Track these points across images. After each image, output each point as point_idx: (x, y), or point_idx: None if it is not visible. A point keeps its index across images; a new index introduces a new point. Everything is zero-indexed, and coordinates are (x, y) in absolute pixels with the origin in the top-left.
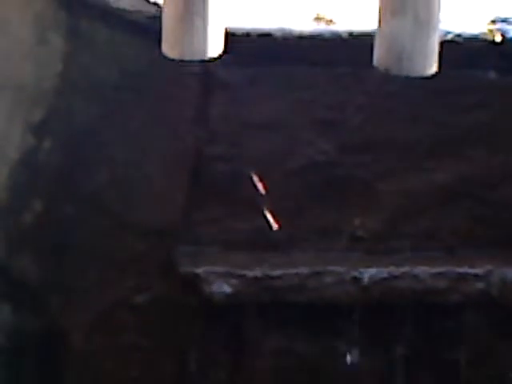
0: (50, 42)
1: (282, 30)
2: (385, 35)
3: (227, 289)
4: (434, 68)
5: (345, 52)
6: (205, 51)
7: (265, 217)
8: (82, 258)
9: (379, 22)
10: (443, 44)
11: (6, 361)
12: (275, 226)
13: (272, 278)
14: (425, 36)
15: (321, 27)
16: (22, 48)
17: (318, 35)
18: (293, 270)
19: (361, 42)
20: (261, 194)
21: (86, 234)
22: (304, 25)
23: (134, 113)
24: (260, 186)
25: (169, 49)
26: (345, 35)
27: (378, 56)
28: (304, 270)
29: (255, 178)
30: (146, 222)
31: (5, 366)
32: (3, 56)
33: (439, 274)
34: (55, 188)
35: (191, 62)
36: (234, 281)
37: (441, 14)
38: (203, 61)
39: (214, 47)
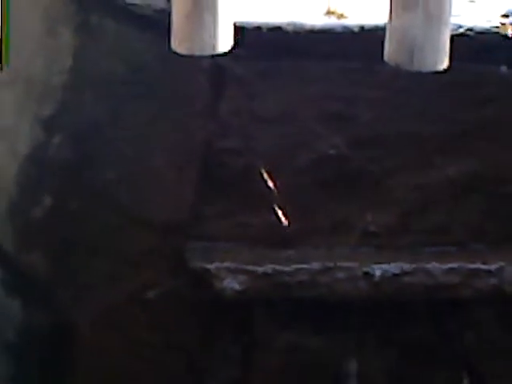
0: (60, 36)
1: (293, 24)
2: (395, 30)
3: (238, 285)
4: (445, 63)
5: (356, 46)
6: (214, 46)
7: (275, 212)
8: (92, 253)
9: (390, 16)
10: (454, 38)
11: (15, 355)
12: (285, 222)
13: (283, 273)
14: (436, 31)
15: (332, 21)
16: (31, 42)
17: (329, 29)
18: (304, 266)
19: (372, 36)
20: (271, 189)
21: (96, 229)
22: (315, 19)
23: (143, 107)
24: (270, 180)
25: (178, 44)
26: (356, 29)
27: (389, 51)
28: (315, 266)
29: (266, 173)
30: (156, 217)
31: (14, 361)
32: (13, 50)
33: (451, 269)
34: (65, 183)
35: (200, 57)
36: (244, 277)
37: (452, 8)
38: (212, 56)
39: (224, 42)
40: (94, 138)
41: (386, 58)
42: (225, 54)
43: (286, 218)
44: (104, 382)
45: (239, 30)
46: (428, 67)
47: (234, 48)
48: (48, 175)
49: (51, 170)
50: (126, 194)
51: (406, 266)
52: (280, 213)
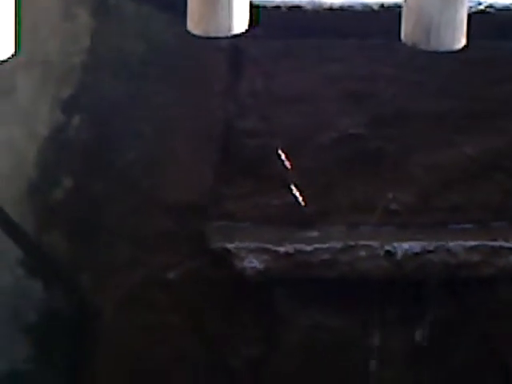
0: (77, 18)
1: (313, 2)
2: (412, 9)
3: (259, 264)
4: (462, 42)
5: (376, 24)
6: (230, 28)
7: (292, 193)
8: (112, 235)
9: None
10: (475, 15)
11: (37, 338)
12: (303, 203)
13: (304, 252)
14: (452, 9)
15: None
16: (48, 24)
17: (348, 7)
18: (325, 245)
19: (392, 14)
20: (291, 169)
21: (116, 211)
22: None
23: (162, 88)
24: (288, 161)
25: (193, 26)
26: (376, 7)
27: (406, 31)
28: (336, 245)
29: (284, 154)
30: (176, 198)
31: (36, 343)
32: (30, 32)
33: (473, 247)
34: (84, 165)
35: (216, 38)
36: (265, 256)
37: None
38: (228, 37)
39: (239, 23)
40: (113, 119)
41: (402, 37)
42: (241, 34)
43: (303, 198)
44: (126, 363)
45: (259, 9)
46: (445, 46)
47: (250, 28)
48: (68, 157)
49: (71, 152)
50: (146, 176)
51: (428, 245)
52: (297, 193)
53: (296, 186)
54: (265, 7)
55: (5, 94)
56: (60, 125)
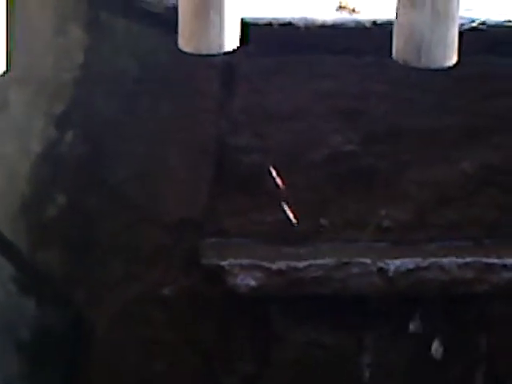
0: (70, 34)
1: (305, 19)
2: (403, 27)
3: (252, 281)
4: (453, 59)
5: (368, 41)
6: (221, 45)
7: (284, 212)
8: (106, 251)
9: (397, 13)
10: (468, 32)
11: (30, 355)
12: (294, 221)
13: (297, 269)
14: (443, 27)
15: (344, 16)
16: (41, 40)
17: (341, 24)
18: (318, 262)
19: (384, 31)
20: (283, 187)
21: (110, 227)
22: (327, 14)
23: (155, 104)
24: (280, 178)
25: (184, 43)
26: (368, 24)
27: (397, 48)
28: (329, 262)
29: (275, 171)
30: (170, 215)
31: (29, 361)
32: (23, 48)
33: (466, 264)
34: (78, 181)
35: (207, 55)
36: (258, 273)
37: (460, 3)
38: (219, 55)
39: (230, 41)
40: (107, 135)
41: (393, 55)
42: (232, 52)
43: (295, 216)
44: (120, 379)
45: (250, 26)
46: (436, 64)
47: (241, 45)
48: (61, 173)
49: (64, 168)
50: (140, 192)
51: (421, 261)
52: (289, 211)
53: (288, 205)
54: (257, 24)
55: None
56: (53, 141)
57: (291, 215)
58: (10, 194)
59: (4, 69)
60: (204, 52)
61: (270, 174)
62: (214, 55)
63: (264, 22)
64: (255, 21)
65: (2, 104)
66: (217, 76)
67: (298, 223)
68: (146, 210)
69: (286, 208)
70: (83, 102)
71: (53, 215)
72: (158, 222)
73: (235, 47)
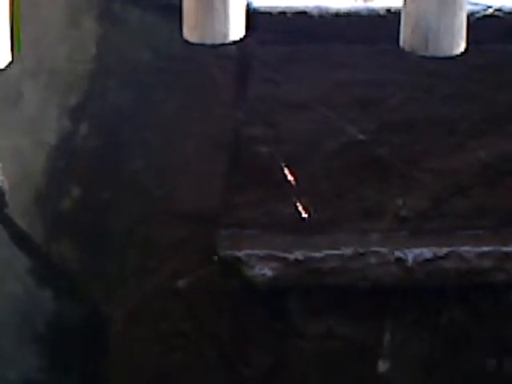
0: (83, 25)
1: (319, 7)
2: (410, 15)
3: (269, 272)
4: (461, 47)
5: (383, 29)
6: (226, 35)
7: (295, 205)
8: (122, 244)
9: (404, 1)
10: (484, 18)
11: (46, 348)
12: (305, 216)
13: (314, 260)
14: (451, 15)
15: (358, 4)
16: (54, 32)
17: (355, 12)
18: (335, 252)
19: (399, 19)
20: (294, 183)
21: (125, 219)
22: (341, 2)
23: (169, 95)
24: (293, 174)
25: (189, 33)
26: (382, 12)
27: (404, 37)
28: (347, 252)
29: (287, 167)
30: (185, 207)
31: (45, 354)
32: (35, 40)
33: (485, 253)
34: (93, 173)
35: (212, 45)
36: (275, 264)
37: None
38: (224, 44)
39: (236, 30)
40: (121, 126)
41: (401, 44)
42: (236, 42)
43: (306, 210)
44: (138, 372)
45: (264, 15)
46: (443, 52)
47: (246, 35)
48: (76, 165)
49: (79, 160)
50: (155, 183)
51: (439, 251)
52: (300, 206)
53: (298, 199)
54: (270, 13)
55: (12, 102)
56: (67, 133)
57: (302, 210)
58: (24, 187)
59: (9, 60)
60: (208, 42)
61: (282, 170)
62: (221, 45)
63: (278, 10)
64: (269, 10)
65: (15, 97)
66: (231, 65)
67: (309, 217)
68: (161, 201)
69: (296, 203)
70: (97, 93)
71: (68, 207)
72: (173, 213)
73: (241, 36)
